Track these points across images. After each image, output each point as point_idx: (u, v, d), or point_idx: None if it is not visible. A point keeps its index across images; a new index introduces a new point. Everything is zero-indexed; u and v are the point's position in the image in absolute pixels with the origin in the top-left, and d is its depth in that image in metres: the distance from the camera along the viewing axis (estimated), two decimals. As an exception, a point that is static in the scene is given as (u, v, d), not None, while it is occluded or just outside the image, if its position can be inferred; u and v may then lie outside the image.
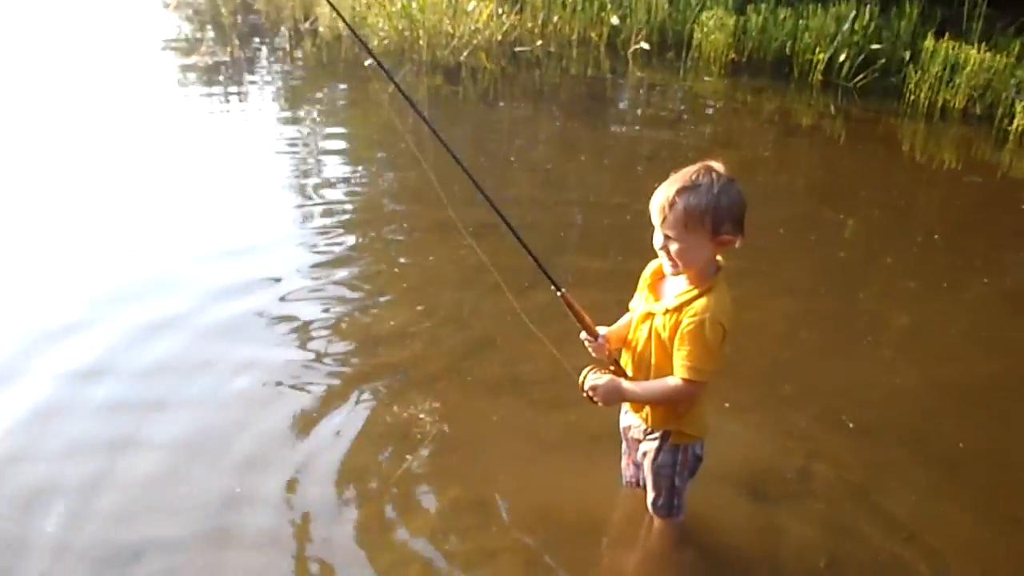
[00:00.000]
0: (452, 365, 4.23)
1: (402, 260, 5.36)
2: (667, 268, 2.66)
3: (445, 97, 9.18)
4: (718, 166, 2.58)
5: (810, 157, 8.39)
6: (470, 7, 11.03)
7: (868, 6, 10.67)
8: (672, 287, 2.72)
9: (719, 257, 2.68)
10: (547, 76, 10.42)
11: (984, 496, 3.62)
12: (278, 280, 4.91)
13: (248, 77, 9.72)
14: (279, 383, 4.02)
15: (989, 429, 4.12)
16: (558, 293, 2.78)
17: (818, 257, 5.92)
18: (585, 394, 2.79)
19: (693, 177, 2.54)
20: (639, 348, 2.79)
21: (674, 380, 2.62)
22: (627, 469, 3.25)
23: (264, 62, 10.60)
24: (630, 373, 2.83)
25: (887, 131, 9.26)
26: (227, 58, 10.29)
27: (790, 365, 4.55)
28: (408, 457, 3.56)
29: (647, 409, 2.86)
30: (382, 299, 4.86)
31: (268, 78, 9.84)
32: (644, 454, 2.95)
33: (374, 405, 3.91)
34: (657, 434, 2.89)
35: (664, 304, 2.67)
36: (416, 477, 3.46)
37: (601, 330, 2.87)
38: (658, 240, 2.60)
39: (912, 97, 9.80)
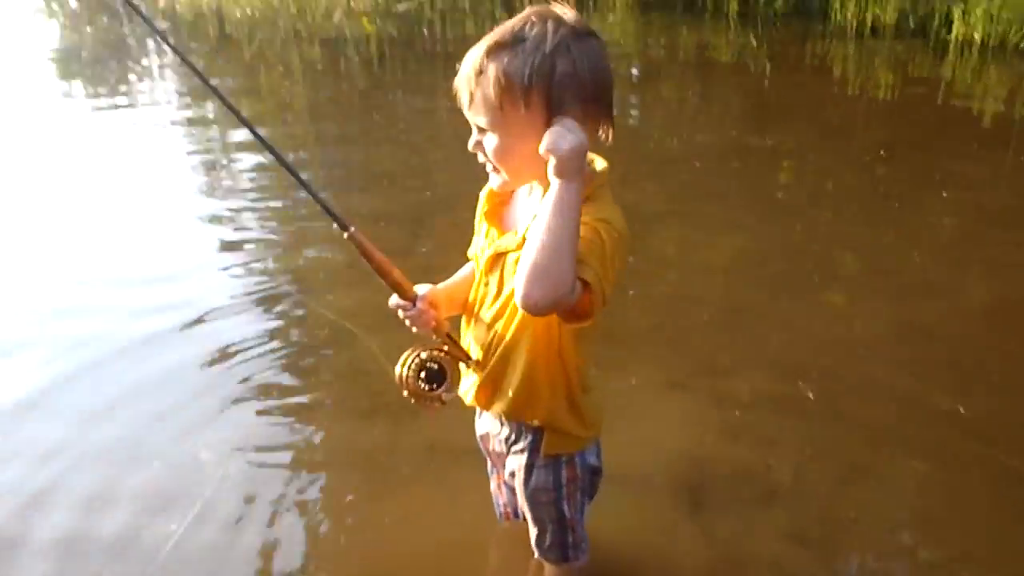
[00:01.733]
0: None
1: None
2: (494, 183, 1.65)
3: (323, 71, 7.88)
4: (564, 12, 1.53)
5: (735, 91, 7.32)
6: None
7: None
8: (526, 209, 1.69)
9: (597, 160, 1.64)
10: (437, 37, 9.25)
11: (996, 479, 2.56)
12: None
13: (119, 73, 8.21)
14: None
15: (987, 382, 3.05)
16: (345, 234, 1.67)
17: (749, 190, 4.84)
18: (413, 394, 1.75)
19: (515, 29, 1.53)
20: (489, 309, 1.75)
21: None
22: (498, 495, 2.16)
23: (131, 57, 9.18)
24: (475, 355, 1.78)
25: (816, 56, 8.30)
26: (85, 53, 8.86)
27: (726, 325, 3.45)
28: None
29: (502, 397, 1.77)
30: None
31: (139, 73, 8.41)
32: (513, 474, 1.88)
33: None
34: (523, 443, 1.82)
35: (520, 231, 1.64)
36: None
37: (421, 289, 1.78)
38: (471, 140, 1.60)
39: (839, 17, 8.85)
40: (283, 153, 1.70)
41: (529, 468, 1.82)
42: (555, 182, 1.48)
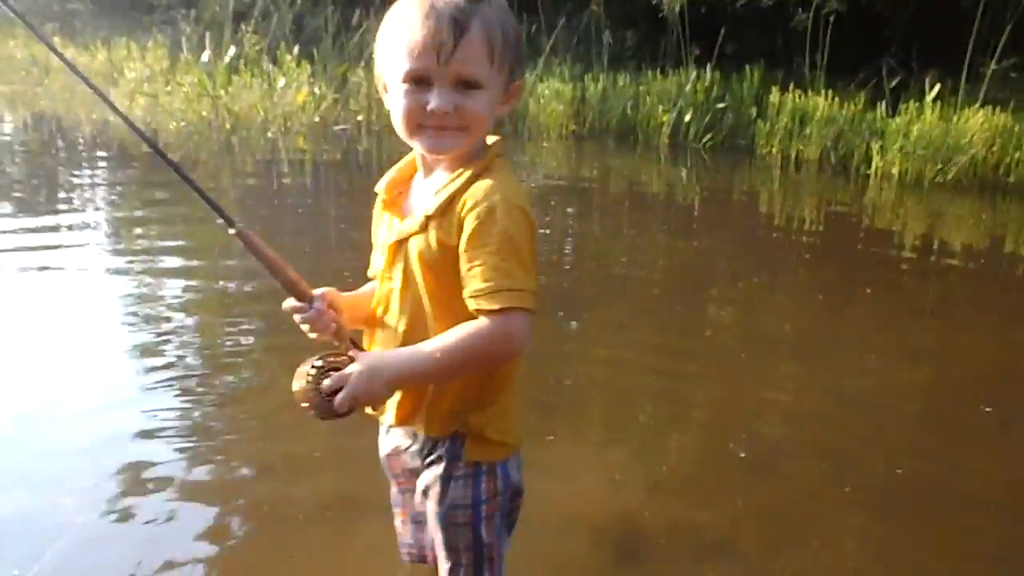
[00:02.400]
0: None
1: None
2: (444, 145, 1.50)
3: (257, 189, 7.71)
4: None
5: (664, 219, 7.41)
6: (279, 85, 9.93)
7: (709, 71, 10.12)
8: (425, 190, 1.58)
9: (491, 137, 1.58)
10: (372, 158, 9.27)
11: (932, 534, 2.42)
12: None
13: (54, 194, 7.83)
14: None
15: (919, 447, 3.07)
16: (231, 231, 1.55)
17: (686, 287, 4.84)
18: (315, 407, 1.51)
19: None
20: (394, 310, 1.61)
21: (478, 322, 1.45)
22: (403, 532, 1.89)
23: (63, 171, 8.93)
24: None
25: (743, 186, 8.52)
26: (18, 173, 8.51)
27: (650, 390, 3.35)
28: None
29: (419, 407, 1.62)
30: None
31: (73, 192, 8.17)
32: (426, 491, 1.67)
33: None
34: (441, 450, 1.63)
35: (421, 212, 1.54)
36: None
37: (319, 291, 1.63)
38: (443, 96, 1.44)
39: (764, 152, 9.15)
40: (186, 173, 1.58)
41: (446, 480, 1.62)
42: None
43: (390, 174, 1.67)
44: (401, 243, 1.57)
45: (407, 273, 1.56)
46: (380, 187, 1.66)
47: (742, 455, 2.87)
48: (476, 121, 1.48)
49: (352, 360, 1.51)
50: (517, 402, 1.67)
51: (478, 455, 1.62)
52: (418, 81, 1.45)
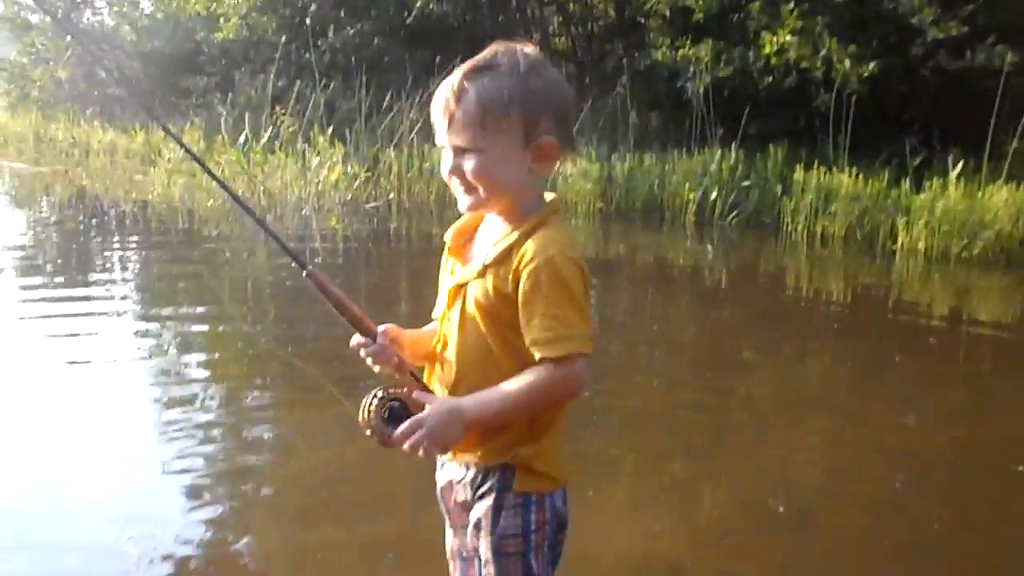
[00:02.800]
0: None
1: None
2: (464, 204, 1.69)
3: (289, 268, 7.84)
4: (525, 45, 1.68)
5: (692, 292, 7.50)
6: (313, 164, 10.21)
7: (733, 150, 10.31)
8: (485, 239, 1.73)
9: (548, 195, 1.73)
10: (401, 236, 9.45)
11: None
12: None
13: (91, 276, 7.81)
14: None
15: (955, 503, 3.17)
16: (304, 273, 1.73)
17: (715, 356, 4.89)
18: (377, 434, 1.63)
19: (487, 57, 1.65)
20: (451, 346, 1.73)
21: (543, 367, 1.59)
22: (454, 571, 1.91)
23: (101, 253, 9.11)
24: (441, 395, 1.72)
25: (769, 262, 8.61)
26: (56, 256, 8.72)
27: (685, 447, 3.40)
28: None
29: (471, 438, 1.69)
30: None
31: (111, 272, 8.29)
32: (478, 525, 1.73)
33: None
34: (492, 481, 1.71)
35: (480, 260, 1.68)
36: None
37: (383, 327, 1.78)
38: (447, 160, 1.66)
39: (790, 229, 9.24)
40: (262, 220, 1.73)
41: (497, 510, 1.70)
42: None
43: (458, 223, 1.80)
44: (461, 287, 1.70)
45: (464, 314, 1.68)
46: (448, 235, 1.80)
47: (780, 510, 2.90)
48: (480, 181, 1.63)
49: (411, 391, 1.63)
50: (556, 440, 1.74)
51: (528, 486, 1.69)
52: (443, 148, 1.67)
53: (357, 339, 1.73)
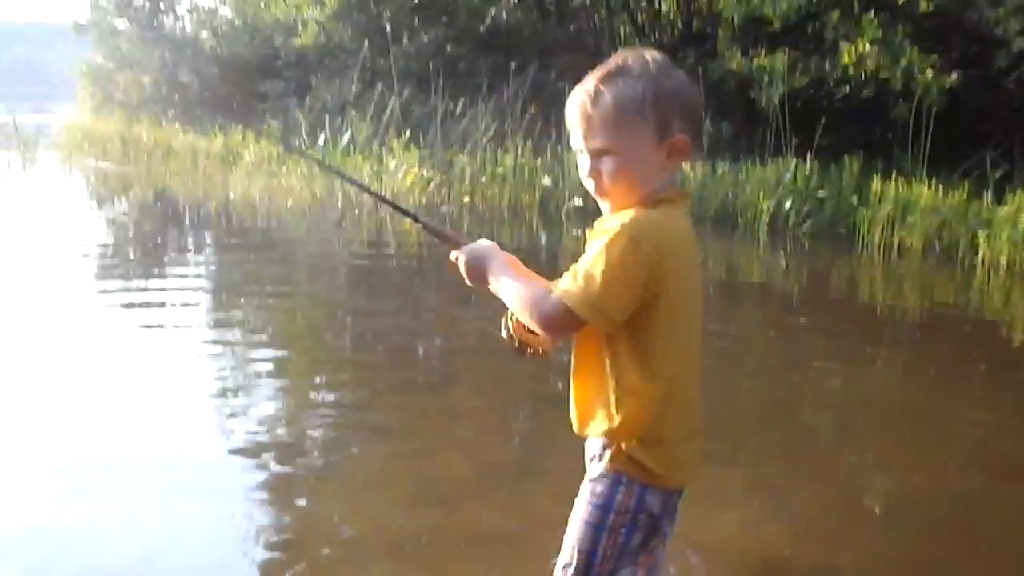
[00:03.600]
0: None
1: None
2: (605, 208, 1.83)
3: (367, 268, 8.07)
4: (652, 52, 1.79)
5: (765, 300, 7.49)
6: (390, 167, 10.42)
7: (808, 161, 10.25)
8: None
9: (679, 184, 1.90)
10: (472, 236, 9.56)
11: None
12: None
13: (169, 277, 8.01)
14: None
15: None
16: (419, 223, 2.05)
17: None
18: (523, 339, 1.93)
19: (619, 62, 1.77)
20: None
21: (548, 290, 1.77)
22: None
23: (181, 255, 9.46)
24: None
25: (844, 272, 8.56)
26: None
27: (771, 451, 3.44)
28: None
29: (574, 409, 1.89)
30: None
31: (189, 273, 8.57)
32: (580, 491, 1.87)
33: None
34: (598, 454, 1.83)
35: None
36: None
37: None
38: (584, 164, 1.77)
39: (866, 240, 9.16)
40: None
41: (592, 480, 1.82)
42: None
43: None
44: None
45: None
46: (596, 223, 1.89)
47: (875, 511, 2.94)
48: (614, 180, 1.73)
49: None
50: (682, 440, 1.79)
51: (619, 464, 1.77)
52: (580, 151, 1.79)
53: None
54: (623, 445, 1.75)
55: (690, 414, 1.81)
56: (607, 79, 1.72)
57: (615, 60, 1.76)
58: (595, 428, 1.79)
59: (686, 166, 10.66)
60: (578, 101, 1.74)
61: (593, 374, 1.78)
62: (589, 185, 1.78)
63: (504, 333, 1.91)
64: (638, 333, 1.71)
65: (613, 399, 1.74)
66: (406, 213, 2.10)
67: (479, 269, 1.86)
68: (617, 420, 1.74)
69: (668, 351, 1.74)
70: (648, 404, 1.73)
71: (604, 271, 1.64)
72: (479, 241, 1.92)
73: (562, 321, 1.71)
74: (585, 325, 1.71)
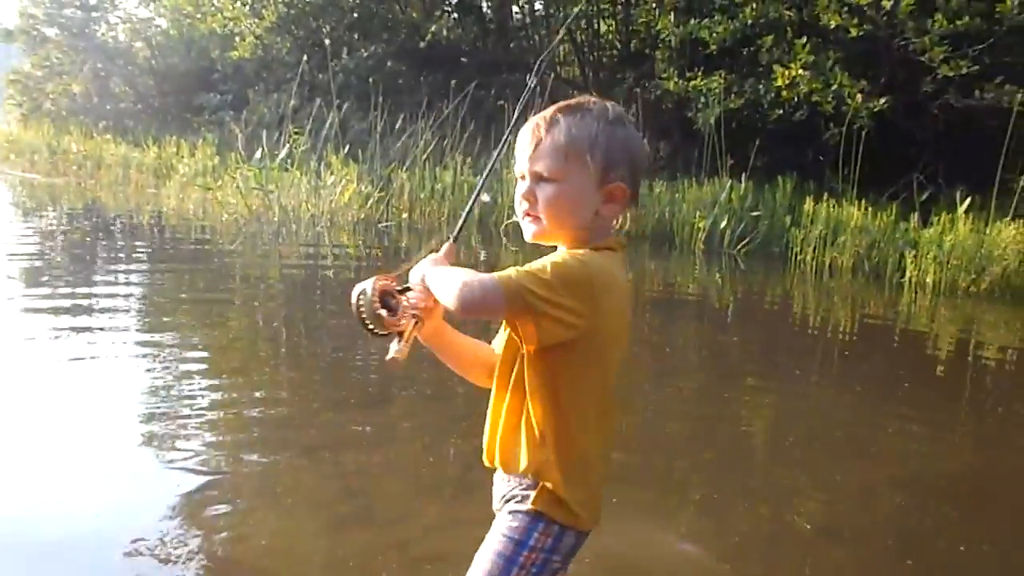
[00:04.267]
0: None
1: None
2: (528, 232, 1.75)
3: (304, 282, 7.94)
4: (614, 103, 1.79)
5: (700, 317, 7.58)
6: (328, 182, 10.33)
7: (743, 181, 10.43)
8: None
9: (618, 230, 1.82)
10: (412, 255, 9.51)
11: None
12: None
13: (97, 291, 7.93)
14: None
15: (976, 525, 3.23)
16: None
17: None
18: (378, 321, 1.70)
19: (581, 100, 1.77)
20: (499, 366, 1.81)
21: (485, 276, 1.63)
22: None
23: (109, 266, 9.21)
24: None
25: (777, 290, 8.73)
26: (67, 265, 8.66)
27: (707, 468, 3.46)
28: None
29: (493, 443, 1.80)
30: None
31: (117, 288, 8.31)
32: (493, 524, 1.78)
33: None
34: (517, 492, 1.75)
35: None
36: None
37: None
38: (522, 186, 1.74)
39: (799, 259, 9.36)
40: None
41: (508, 513, 1.74)
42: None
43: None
44: None
45: (510, 339, 1.73)
46: None
47: (807, 526, 2.96)
48: (550, 209, 1.69)
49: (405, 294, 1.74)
50: (598, 484, 1.76)
51: (542, 504, 1.70)
52: (522, 177, 1.73)
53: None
54: (548, 485, 1.70)
55: (607, 457, 1.81)
56: (566, 111, 1.73)
57: (578, 99, 1.77)
58: (515, 466, 1.74)
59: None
60: (533, 125, 1.74)
61: (514, 411, 1.74)
62: (520, 207, 1.74)
63: (356, 302, 1.70)
64: (567, 373, 1.67)
65: (538, 438, 1.70)
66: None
67: (419, 274, 1.74)
68: (542, 460, 1.70)
69: (595, 393, 1.72)
70: (574, 446, 1.70)
71: (548, 274, 1.59)
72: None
73: (498, 305, 1.59)
74: (507, 318, 1.65)
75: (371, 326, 1.68)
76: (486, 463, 1.80)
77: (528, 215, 1.73)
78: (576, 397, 1.69)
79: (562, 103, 1.74)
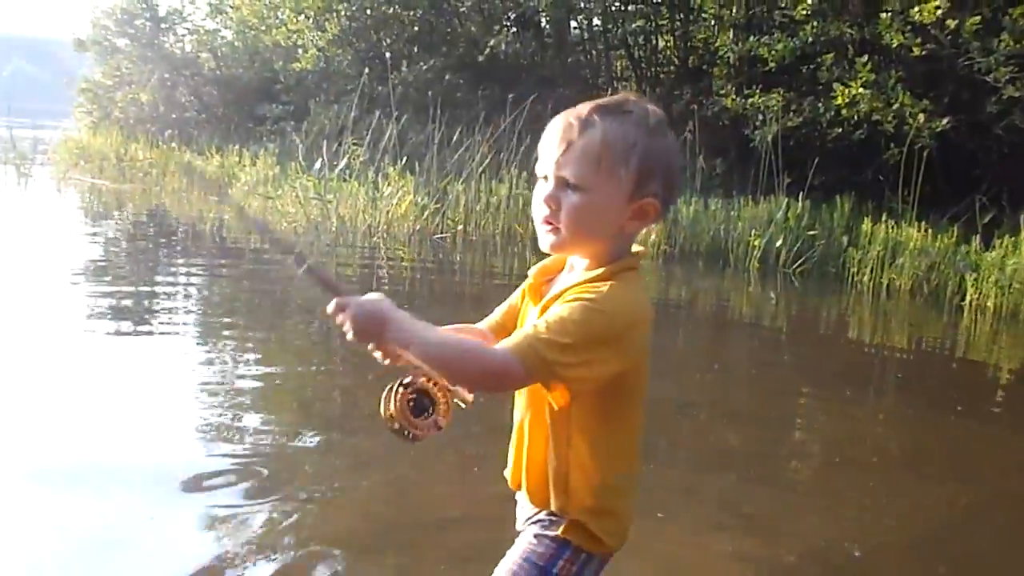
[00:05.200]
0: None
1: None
2: (545, 243, 1.63)
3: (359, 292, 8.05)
4: (654, 106, 1.64)
5: (753, 336, 7.53)
6: (385, 193, 10.48)
7: (800, 200, 10.35)
8: (562, 283, 1.67)
9: (637, 247, 1.67)
10: (466, 268, 9.63)
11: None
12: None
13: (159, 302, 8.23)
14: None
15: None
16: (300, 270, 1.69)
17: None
18: (409, 425, 1.60)
19: (619, 100, 1.61)
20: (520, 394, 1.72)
21: (495, 348, 1.53)
22: None
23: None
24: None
25: (833, 311, 8.63)
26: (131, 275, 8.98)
27: (748, 491, 3.46)
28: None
29: (523, 475, 1.72)
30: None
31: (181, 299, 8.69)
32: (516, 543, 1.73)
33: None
34: (542, 516, 1.70)
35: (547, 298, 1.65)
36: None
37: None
38: (544, 188, 1.59)
39: (855, 280, 9.25)
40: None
41: (534, 536, 1.68)
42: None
43: (545, 262, 1.74)
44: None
45: None
46: (532, 271, 1.75)
47: (856, 554, 2.95)
48: (572, 221, 1.56)
49: (429, 380, 1.60)
50: (629, 510, 1.69)
51: (570, 534, 1.64)
52: (544, 178, 1.60)
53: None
54: (587, 524, 1.63)
55: (637, 482, 1.73)
56: (604, 111, 1.56)
57: (616, 98, 1.61)
58: (545, 499, 1.67)
59: (679, 201, 10.74)
60: (564, 123, 1.57)
61: (540, 444, 1.66)
62: (540, 211, 1.60)
63: (385, 414, 1.60)
64: (602, 409, 1.60)
65: (567, 477, 1.63)
66: (290, 251, 1.81)
67: (375, 323, 1.53)
68: (574, 495, 1.63)
69: (628, 428, 1.66)
70: (608, 480, 1.64)
71: (571, 336, 1.48)
72: (368, 295, 1.57)
73: (507, 380, 1.52)
74: (530, 385, 1.56)
75: (417, 434, 1.61)
76: (511, 487, 1.75)
77: (548, 223, 1.59)
78: (608, 431, 1.63)
79: (599, 101, 1.59)
